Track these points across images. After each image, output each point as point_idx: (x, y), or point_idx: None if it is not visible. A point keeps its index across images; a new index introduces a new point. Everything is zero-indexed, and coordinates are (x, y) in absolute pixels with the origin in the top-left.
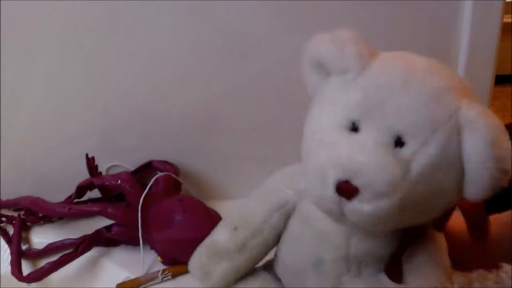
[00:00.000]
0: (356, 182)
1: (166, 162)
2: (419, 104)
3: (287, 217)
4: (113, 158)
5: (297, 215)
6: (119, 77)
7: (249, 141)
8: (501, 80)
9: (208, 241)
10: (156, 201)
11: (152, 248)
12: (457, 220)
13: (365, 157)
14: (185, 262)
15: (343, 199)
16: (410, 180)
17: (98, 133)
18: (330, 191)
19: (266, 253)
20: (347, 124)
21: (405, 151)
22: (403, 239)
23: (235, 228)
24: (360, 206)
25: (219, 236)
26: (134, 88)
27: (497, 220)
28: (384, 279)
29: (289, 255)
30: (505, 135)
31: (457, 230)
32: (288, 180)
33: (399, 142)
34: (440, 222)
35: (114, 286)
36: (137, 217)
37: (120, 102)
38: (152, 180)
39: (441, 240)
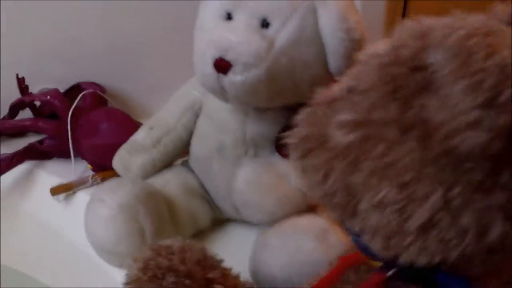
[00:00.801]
0: (228, 57)
1: (93, 83)
2: None
3: (196, 116)
4: (43, 83)
5: (203, 112)
6: (45, 4)
7: (174, 63)
8: None
9: (128, 140)
10: (84, 114)
11: (82, 157)
12: None
13: (234, 36)
14: (112, 168)
15: (221, 75)
16: (274, 53)
17: (27, 59)
18: (209, 68)
19: (181, 149)
20: (223, 15)
21: (270, 30)
22: (288, 119)
23: (151, 128)
24: (234, 78)
25: (138, 135)
26: (60, 13)
27: None
28: (274, 157)
29: (198, 146)
30: (352, 10)
31: None
32: (195, 83)
33: (265, 24)
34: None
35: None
36: (67, 130)
37: (46, 28)
38: (80, 95)
39: None
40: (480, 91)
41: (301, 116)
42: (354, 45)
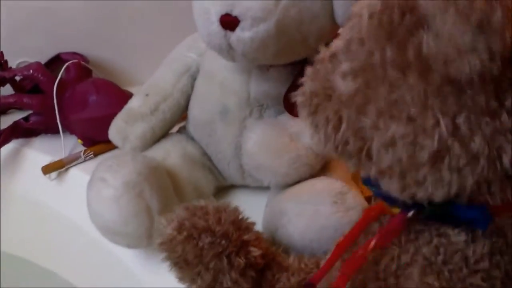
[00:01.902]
0: (235, 12)
1: (74, 53)
2: None
3: (193, 79)
4: (20, 56)
5: (202, 74)
6: None
7: (159, 25)
8: None
9: (123, 109)
10: (69, 87)
11: (72, 132)
12: None
13: None
14: (104, 141)
15: (228, 32)
16: (283, 6)
17: (3, 32)
18: (215, 25)
19: (179, 115)
20: None
21: None
22: (295, 77)
23: (147, 95)
24: (242, 34)
25: (133, 103)
26: None
27: None
28: (282, 118)
29: (198, 111)
30: None
31: None
32: (189, 46)
33: None
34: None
35: (40, 169)
36: (53, 104)
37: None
38: (64, 66)
39: None
40: (470, 17)
41: (306, 75)
42: None
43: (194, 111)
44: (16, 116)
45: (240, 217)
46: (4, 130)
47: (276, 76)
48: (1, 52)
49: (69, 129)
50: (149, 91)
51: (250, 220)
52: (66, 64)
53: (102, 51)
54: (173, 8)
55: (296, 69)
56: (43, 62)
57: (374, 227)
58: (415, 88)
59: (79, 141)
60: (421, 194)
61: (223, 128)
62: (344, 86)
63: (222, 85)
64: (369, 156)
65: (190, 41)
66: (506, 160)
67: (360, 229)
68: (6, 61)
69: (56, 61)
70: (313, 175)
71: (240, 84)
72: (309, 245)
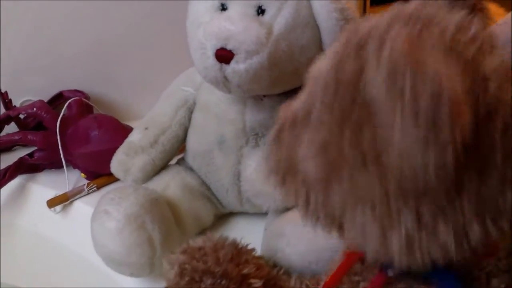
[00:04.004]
0: (229, 46)
1: (76, 90)
2: None
3: (190, 112)
4: (24, 95)
5: (198, 107)
6: (20, 13)
7: (157, 62)
8: None
9: (124, 143)
10: (72, 123)
11: (75, 167)
12: None
13: (233, 25)
14: (106, 174)
15: (223, 65)
16: (274, 39)
17: (5, 72)
18: (211, 59)
19: (178, 146)
20: (217, 6)
21: (266, 17)
22: None
23: (146, 128)
24: (237, 66)
25: (133, 137)
26: (35, 23)
27: None
28: None
29: (196, 142)
30: None
31: None
32: (185, 80)
33: (260, 11)
34: None
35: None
36: (57, 140)
37: (22, 38)
38: (66, 103)
39: None
40: (418, 119)
41: (270, 137)
42: (347, 23)
43: (193, 142)
44: (21, 153)
45: (239, 246)
46: (10, 166)
47: (270, 106)
48: (5, 92)
49: (72, 163)
50: (148, 124)
51: (249, 247)
52: (68, 102)
53: (102, 87)
54: (169, 45)
55: (289, 98)
56: (46, 100)
57: (358, 267)
58: (373, 183)
59: (82, 175)
60: (396, 263)
61: (221, 157)
62: (308, 166)
63: (219, 116)
64: (341, 228)
65: (186, 76)
66: (473, 240)
67: (344, 272)
68: (10, 100)
69: (58, 98)
70: None
71: (236, 115)
72: (308, 266)
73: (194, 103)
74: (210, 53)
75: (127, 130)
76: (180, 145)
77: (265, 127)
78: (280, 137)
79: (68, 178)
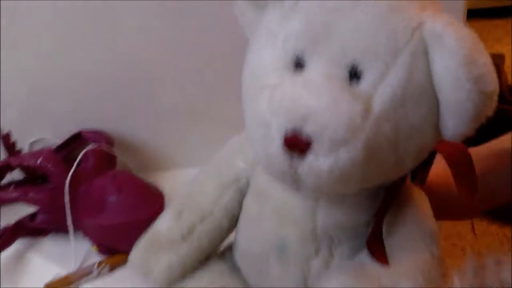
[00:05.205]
0: (307, 130)
1: (98, 132)
2: (374, 22)
3: (242, 195)
4: (37, 130)
5: (253, 191)
6: (39, 33)
7: (190, 103)
8: None
9: (149, 231)
10: (86, 179)
11: (85, 235)
12: (438, 170)
13: (314, 97)
14: (124, 251)
15: (295, 156)
16: (373, 120)
17: (19, 101)
18: (276, 146)
19: (220, 241)
20: (291, 60)
21: (363, 84)
22: (381, 204)
23: (180, 212)
24: (316, 162)
25: (162, 223)
26: (59, 45)
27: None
28: (365, 259)
29: (247, 240)
30: (480, 47)
31: (440, 182)
32: (238, 150)
33: (354, 74)
34: (420, 174)
35: (43, 286)
36: (64, 202)
37: (43, 63)
38: (81, 154)
39: (423, 198)
40: None
41: None
42: (485, 100)
43: (242, 239)
44: (22, 207)
45: None
46: (6, 230)
47: (352, 202)
48: (7, 133)
49: (82, 230)
50: (183, 206)
51: None
52: (84, 150)
53: (130, 128)
54: (220, 78)
55: (380, 192)
56: (61, 140)
57: None
58: None
59: (94, 247)
60: None
61: (280, 268)
62: None
63: (279, 210)
64: None
65: (238, 144)
66: None
67: None
68: (13, 144)
69: (76, 139)
70: None
71: (303, 211)
72: None
73: (248, 184)
74: (277, 136)
75: (154, 196)
76: (223, 239)
77: (344, 230)
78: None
79: (77, 249)
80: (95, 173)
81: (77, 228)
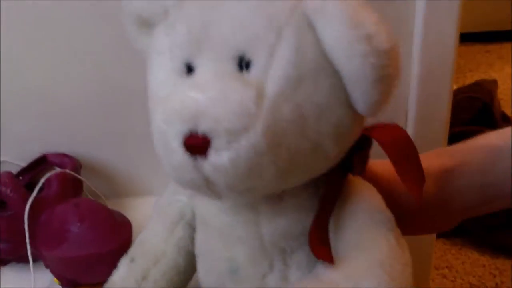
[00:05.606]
0: (202, 128)
1: (64, 155)
2: (250, 10)
3: (192, 229)
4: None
5: (199, 222)
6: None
7: None
8: None
9: (107, 284)
10: (48, 207)
11: (47, 266)
12: (379, 163)
13: (202, 94)
14: (87, 284)
15: (198, 159)
16: (269, 103)
17: None
18: (178, 155)
19: (180, 280)
20: (180, 68)
21: (253, 71)
22: (321, 200)
23: (132, 260)
24: (219, 158)
25: (116, 274)
26: (22, 63)
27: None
28: (321, 265)
29: (204, 273)
30: (364, 8)
31: (382, 174)
32: (175, 187)
33: (245, 66)
34: (357, 163)
35: None
36: (24, 229)
37: (7, 83)
38: (43, 179)
39: (369, 188)
40: None
41: None
42: (383, 59)
43: (200, 272)
44: None
45: None
46: None
47: (293, 206)
48: None
49: (43, 261)
50: (135, 253)
51: None
52: (47, 176)
53: (98, 152)
54: None
55: (320, 187)
56: (25, 163)
57: None
58: None
59: (56, 280)
60: None
61: None
62: None
63: (223, 231)
64: None
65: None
66: None
67: None
68: None
69: (41, 163)
70: None
71: (246, 227)
72: None
73: (194, 216)
74: (176, 144)
75: (120, 226)
76: (184, 279)
77: (294, 238)
78: None
79: (37, 282)
80: (59, 199)
81: (38, 258)
